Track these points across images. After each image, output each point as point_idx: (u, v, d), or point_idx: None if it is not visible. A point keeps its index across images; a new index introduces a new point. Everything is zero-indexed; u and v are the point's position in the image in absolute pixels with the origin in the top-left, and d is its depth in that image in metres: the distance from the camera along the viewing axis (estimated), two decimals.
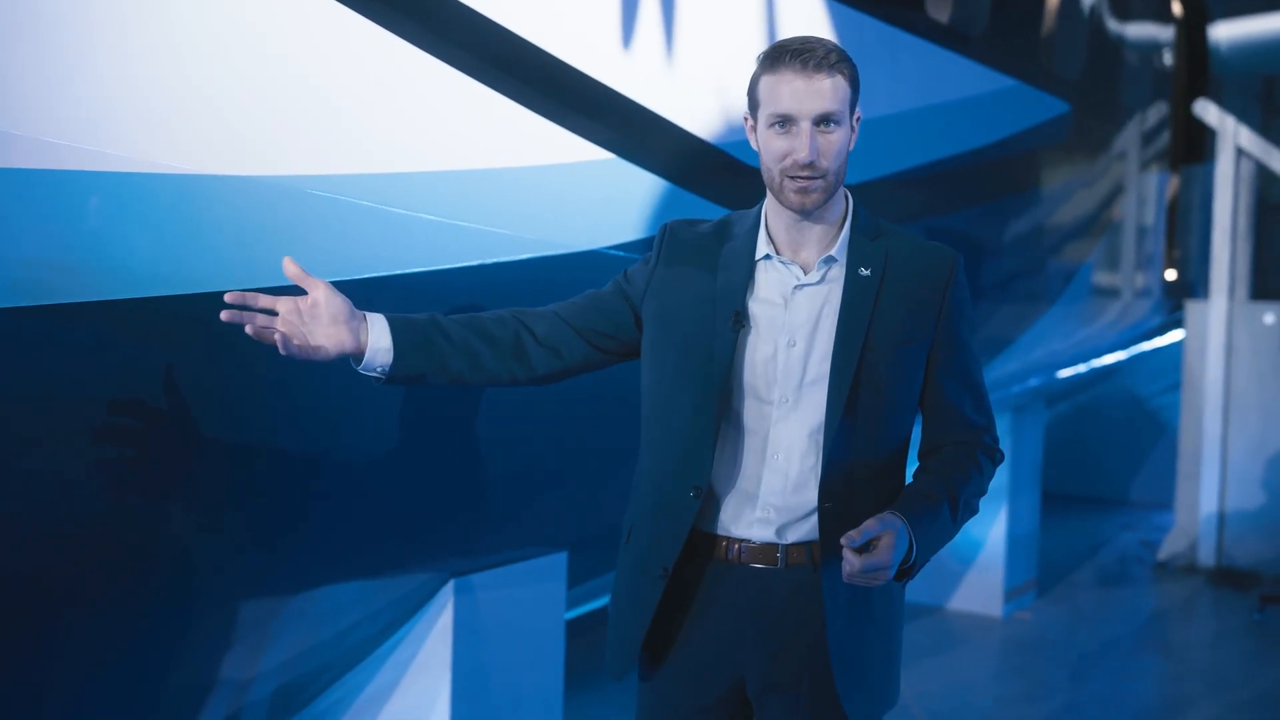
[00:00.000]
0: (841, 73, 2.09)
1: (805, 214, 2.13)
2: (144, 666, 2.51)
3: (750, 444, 2.17)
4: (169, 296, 2.20)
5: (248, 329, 2.04)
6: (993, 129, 5.10)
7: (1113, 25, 6.72)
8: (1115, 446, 9.58)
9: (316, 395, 2.54)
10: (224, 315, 2.03)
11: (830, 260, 2.17)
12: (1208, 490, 7.37)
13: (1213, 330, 7.43)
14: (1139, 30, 7.30)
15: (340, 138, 2.47)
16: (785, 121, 2.07)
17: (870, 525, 2.01)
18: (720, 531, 2.20)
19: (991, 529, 6.25)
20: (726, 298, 2.16)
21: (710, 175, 3.36)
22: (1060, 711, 5.06)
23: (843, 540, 1.99)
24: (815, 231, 2.17)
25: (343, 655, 3.04)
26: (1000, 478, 6.22)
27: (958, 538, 6.60)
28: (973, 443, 2.25)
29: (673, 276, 2.22)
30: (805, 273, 2.16)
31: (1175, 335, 8.43)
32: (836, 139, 2.09)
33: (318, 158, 2.43)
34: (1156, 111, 7.72)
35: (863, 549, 2.01)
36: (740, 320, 2.15)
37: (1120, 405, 9.69)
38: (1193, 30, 8.61)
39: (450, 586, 3.08)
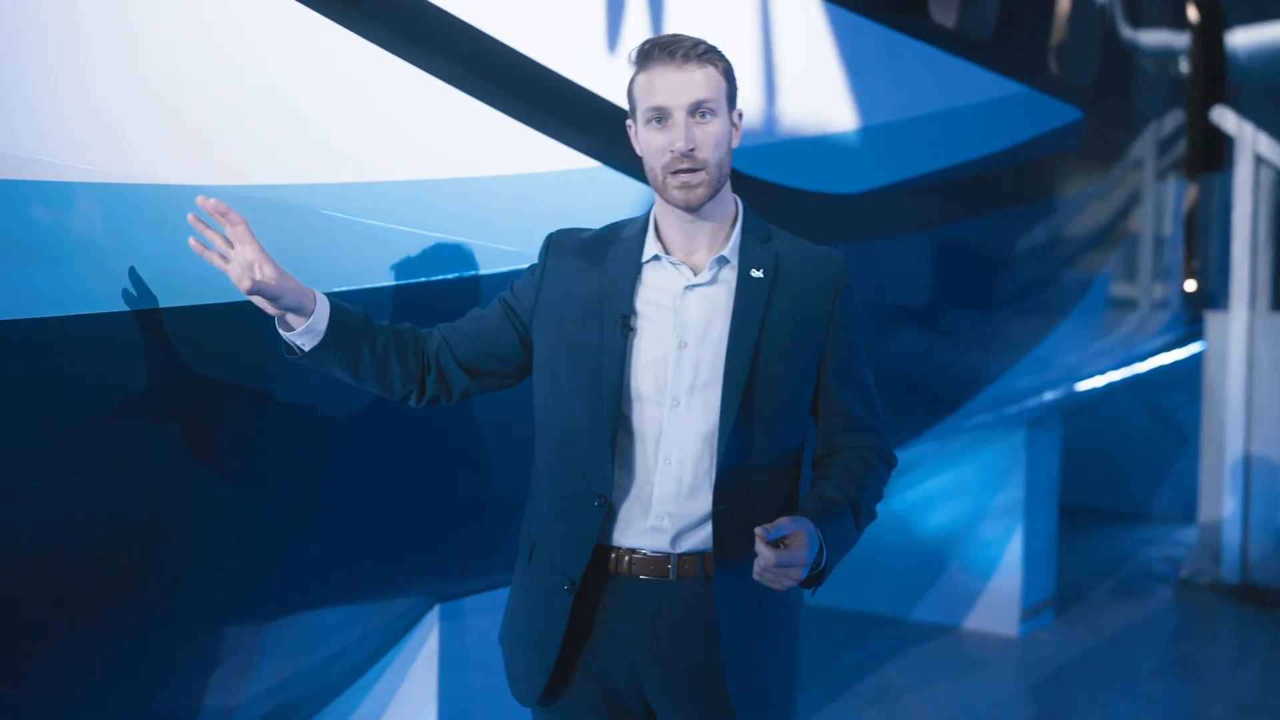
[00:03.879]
0: (713, 64, 2.10)
1: (692, 210, 2.13)
2: (123, 694, 2.47)
3: (643, 449, 2.15)
4: (140, 310, 2.14)
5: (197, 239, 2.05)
6: (1000, 136, 5.00)
7: (1126, 31, 6.62)
8: (1135, 460, 9.46)
9: (296, 416, 2.47)
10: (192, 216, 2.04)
11: (722, 260, 2.16)
12: (1230, 504, 7.24)
13: (1233, 341, 7.32)
14: (1154, 37, 7.19)
15: (314, 147, 2.41)
16: (661, 115, 2.09)
17: (783, 522, 1.97)
18: (613, 542, 2.18)
19: (1007, 546, 6.14)
20: (613, 301, 2.16)
21: None
22: None
23: (757, 530, 1.95)
24: (706, 232, 2.17)
25: (325, 685, 2.96)
26: (1016, 492, 6.12)
27: (973, 554, 6.45)
28: (868, 447, 2.24)
29: (560, 285, 2.22)
30: (695, 274, 2.16)
31: (1195, 347, 8.31)
32: (714, 130, 2.09)
33: (294, 167, 2.36)
34: (1173, 119, 7.60)
35: (775, 545, 1.96)
36: (628, 323, 2.14)
37: (1140, 418, 9.56)
38: (1209, 36, 8.50)
39: (435, 612, 3.00)
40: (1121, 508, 9.35)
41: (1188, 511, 8.25)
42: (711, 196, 2.12)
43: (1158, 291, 7.49)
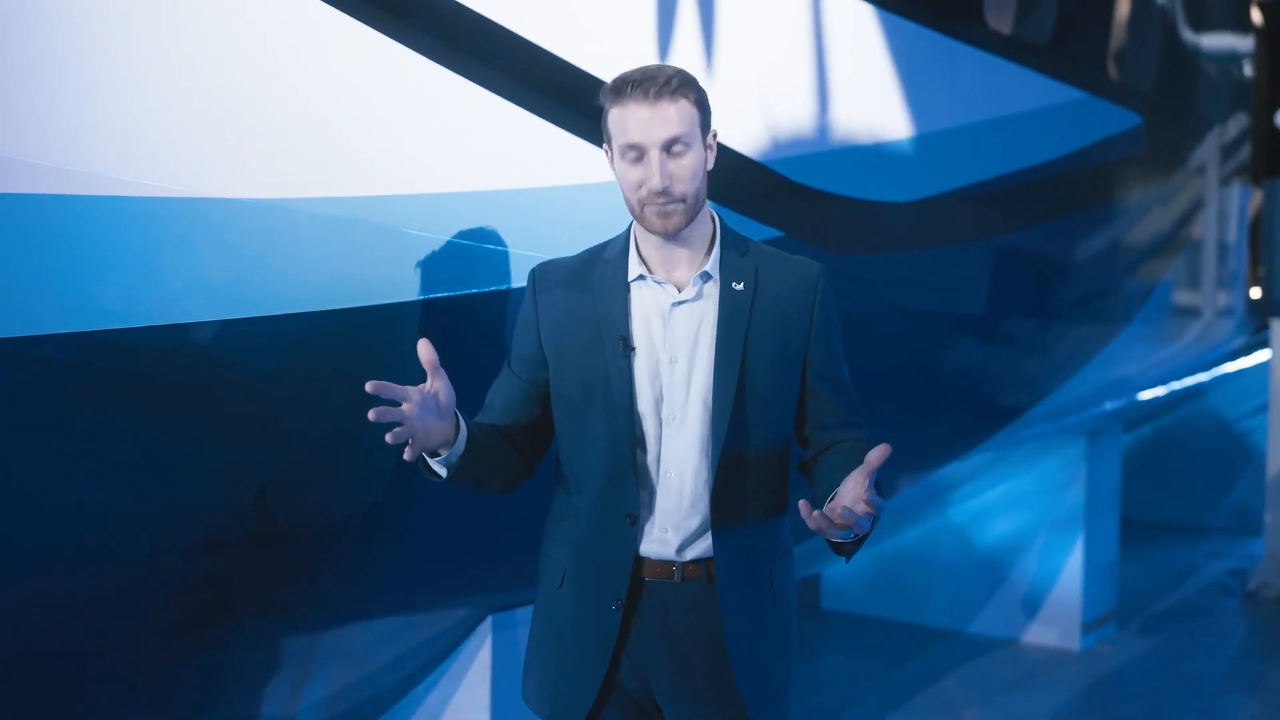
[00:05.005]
0: (685, 97, 2.15)
1: (670, 237, 2.19)
2: (182, 701, 2.49)
3: (645, 464, 2.23)
4: (171, 325, 2.15)
5: (388, 437, 2.01)
6: (1059, 143, 4.93)
7: (1188, 35, 6.52)
8: (1200, 471, 9.27)
9: (350, 429, 2.47)
10: (373, 414, 1.98)
11: (705, 276, 2.23)
12: None
13: None
14: (1216, 40, 7.08)
15: (364, 159, 2.42)
16: (636, 151, 2.14)
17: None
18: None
19: (1068, 558, 6.04)
20: (610, 324, 2.22)
21: (754, 192, 3.25)
22: None
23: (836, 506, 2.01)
24: (685, 252, 2.23)
25: (378, 695, 2.96)
26: (1076, 504, 6.03)
27: (1034, 566, 6.36)
28: (860, 439, 2.30)
29: (556, 318, 2.27)
30: (679, 290, 2.22)
31: (1261, 355, 8.16)
32: (688, 162, 2.15)
33: (347, 179, 2.37)
34: (1236, 123, 7.47)
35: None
36: (628, 344, 2.21)
37: (1205, 428, 9.38)
38: (1273, 39, 8.36)
39: (488, 623, 3.00)
40: (1185, 520, 9.17)
41: (1254, 524, 8.08)
42: (689, 222, 2.19)
43: (1221, 299, 7.36)
